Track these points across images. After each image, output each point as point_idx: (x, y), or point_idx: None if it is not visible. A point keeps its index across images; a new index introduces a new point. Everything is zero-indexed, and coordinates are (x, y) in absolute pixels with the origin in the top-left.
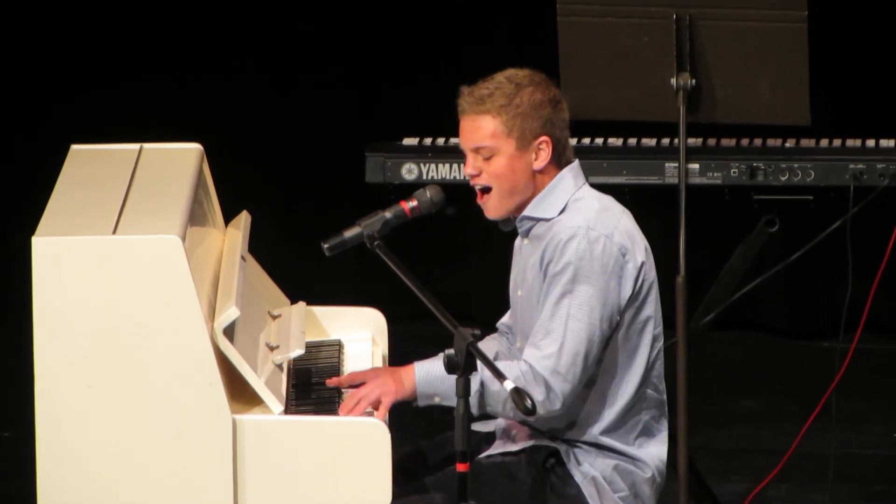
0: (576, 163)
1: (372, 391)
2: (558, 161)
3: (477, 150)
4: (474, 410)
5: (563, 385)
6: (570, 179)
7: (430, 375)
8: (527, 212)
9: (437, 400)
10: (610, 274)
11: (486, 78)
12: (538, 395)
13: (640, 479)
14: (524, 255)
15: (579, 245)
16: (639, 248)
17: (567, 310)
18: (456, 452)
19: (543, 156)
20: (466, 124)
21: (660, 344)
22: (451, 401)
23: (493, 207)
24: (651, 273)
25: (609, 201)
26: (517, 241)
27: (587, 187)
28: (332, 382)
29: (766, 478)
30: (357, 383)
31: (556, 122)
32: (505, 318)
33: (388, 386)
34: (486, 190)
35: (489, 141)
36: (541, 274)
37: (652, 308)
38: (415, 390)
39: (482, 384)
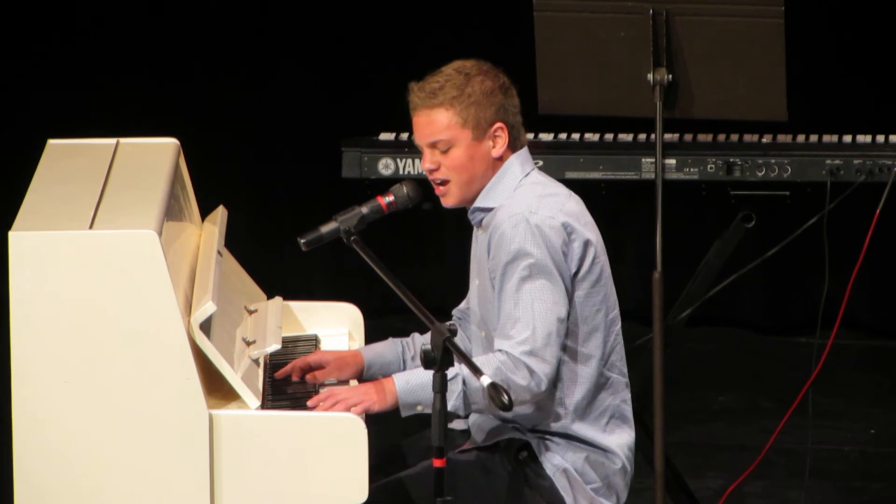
0: (524, 150)
1: (352, 396)
2: (513, 146)
3: (434, 145)
4: (460, 412)
5: (543, 366)
6: (517, 167)
7: (409, 385)
8: (477, 203)
9: (419, 409)
10: (558, 254)
11: (434, 72)
12: (521, 380)
13: (611, 471)
14: (479, 245)
15: (525, 231)
16: (587, 229)
17: (529, 294)
18: (432, 448)
19: (500, 142)
20: (420, 119)
21: (617, 328)
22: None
23: (451, 196)
24: (601, 256)
25: (555, 187)
26: (473, 232)
27: (535, 173)
28: (312, 402)
29: (743, 474)
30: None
31: (508, 108)
32: (462, 305)
33: (368, 395)
34: (444, 182)
35: (445, 133)
36: (488, 263)
37: (604, 291)
38: (396, 401)
39: (464, 382)
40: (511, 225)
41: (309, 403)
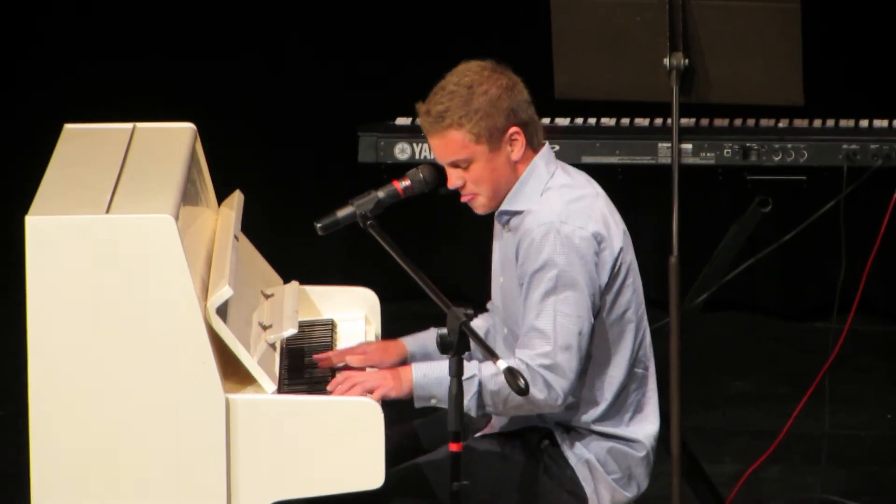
0: (546, 147)
1: (368, 380)
2: (532, 143)
3: (454, 164)
4: (472, 412)
5: (562, 382)
6: (542, 167)
7: (427, 378)
8: (504, 206)
9: (433, 402)
10: (588, 264)
11: (437, 87)
12: (538, 393)
13: (634, 461)
14: (505, 243)
15: (555, 241)
16: (615, 234)
17: (553, 306)
18: (448, 433)
19: (518, 146)
20: (434, 143)
21: (644, 324)
22: (448, 403)
23: (481, 206)
24: (628, 255)
25: (582, 187)
26: (496, 226)
27: (560, 171)
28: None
29: (759, 459)
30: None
31: (518, 108)
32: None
33: (385, 380)
34: (474, 195)
35: (462, 153)
36: (517, 269)
37: (631, 290)
38: (411, 390)
39: (480, 384)
40: (541, 234)
41: (328, 388)
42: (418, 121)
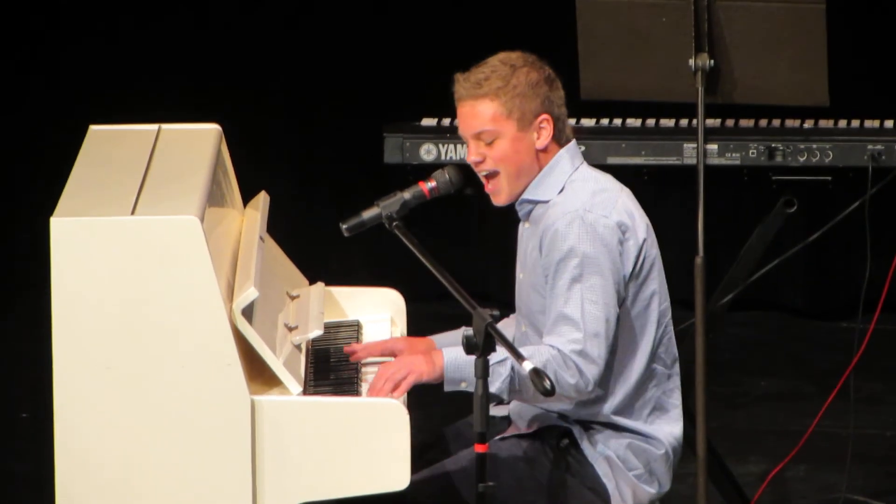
0: (573, 143)
1: (399, 370)
2: (559, 139)
3: (479, 136)
4: (504, 395)
5: (592, 368)
6: (567, 160)
7: (458, 361)
8: (526, 195)
9: (463, 385)
10: (613, 253)
11: (480, 63)
12: (570, 378)
13: (653, 457)
14: (525, 239)
15: (579, 229)
16: (639, 226)
17: (580, 294)
18: (474, 434)
19: (545, 134)
20: (465, 110)
21: (667, 319)
22: (473, 403)
23: (501, 191)
24: (653, 249)
25: (607, 181)
26: (520, 226)
27: (585, 167)
28: (357, 354)
29: (785, 458)
30: (386, 356)
31: (553, 100)
32: None
33: (416, 365)
34: (492, 175)
35: (490, 125)
36: (540, 259)
37: (656, 283)
38: (442, 374)
39: (513, 369)
40: (565, 223)
41: (368, 394)
42: (455, 87)
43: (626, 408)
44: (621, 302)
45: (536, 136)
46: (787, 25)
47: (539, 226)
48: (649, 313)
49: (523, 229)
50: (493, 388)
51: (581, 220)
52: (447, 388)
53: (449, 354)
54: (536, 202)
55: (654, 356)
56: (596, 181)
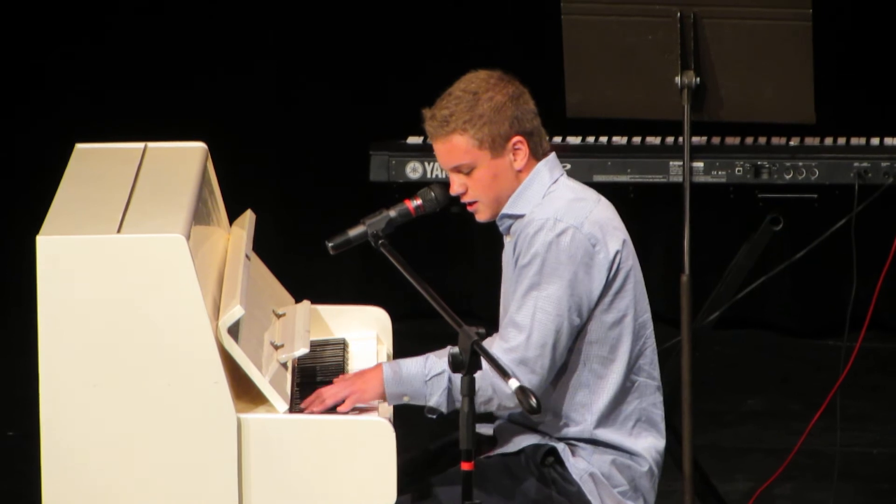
0: (552, 155)
1: (339, 391)
2: (535, 153)
3: (457, 169)
4: (444, 408)
5: (531, 377)
6: (545, 173)
7: (397, 375)
8: (505, 210)
9: (405, 399)
10: (578, 264)
11: (443, 94)
12: (506, 388)
13: (638, 473)
14: (507, 253)
15: (546, 237)
16: (612, 238)
17: (534, 302)
18: (461, 452)
19: (521, 155)
20: (438, 148)
21: (647, 331)
22: (420, 399)
23: (483, 213)
24: (628, 261)
25: (584, 192)
26: (504, 240)
27: (564, 178)
28: (304, 404)
29: (771, 476)
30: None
31: (523, 118)
32: None
33: (354, 385)
34: (474, 202)
35: (465, 158)
36: (514, 270)
37: (631, 295)
38: (383, 390)
39: (449, 380)
40: (534, 229)
41: (301, 406)
42: (424, 125)
43: (607, 420)
44: (588, 315)
45: (513, 157)
46: (773, 43)
47: (515, 237)
48: (624, 325)
49: (506, 244)
50: (431, 402)
51: (548, 229)
52: (390, 402)
53: (387, 370)
54: (515, 217)
55: (632, 368)
56: (573, 191)
